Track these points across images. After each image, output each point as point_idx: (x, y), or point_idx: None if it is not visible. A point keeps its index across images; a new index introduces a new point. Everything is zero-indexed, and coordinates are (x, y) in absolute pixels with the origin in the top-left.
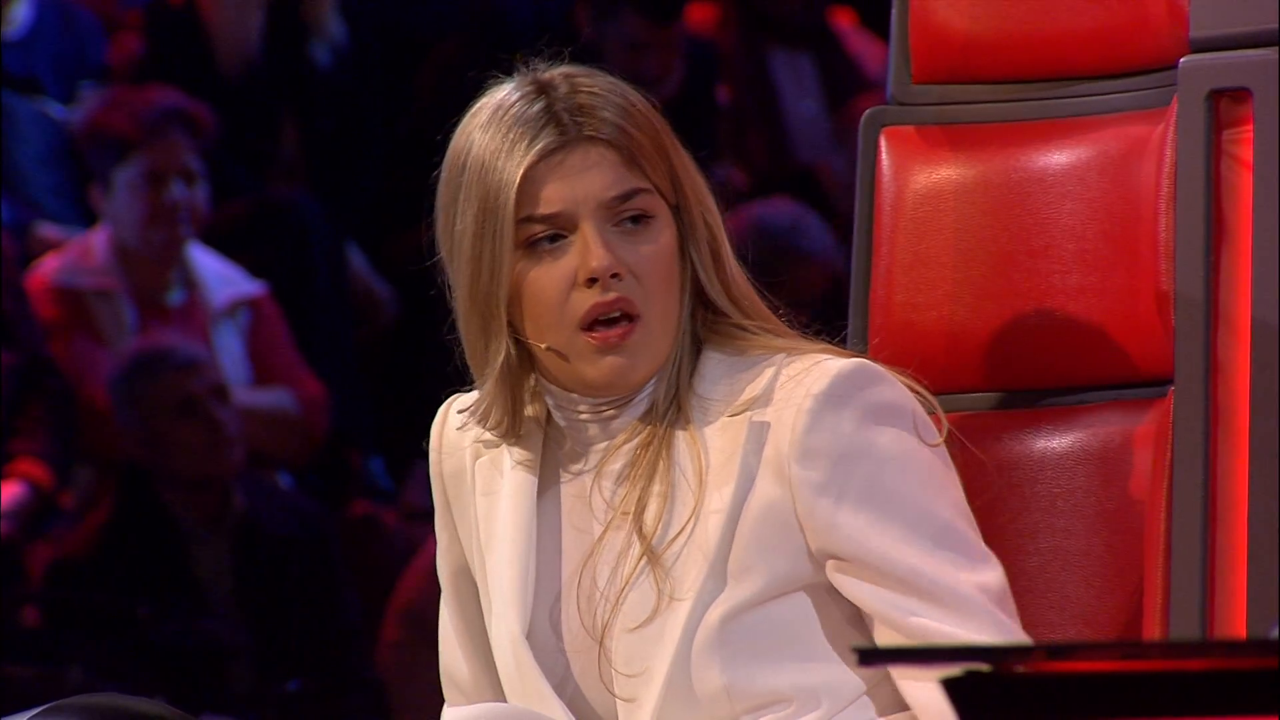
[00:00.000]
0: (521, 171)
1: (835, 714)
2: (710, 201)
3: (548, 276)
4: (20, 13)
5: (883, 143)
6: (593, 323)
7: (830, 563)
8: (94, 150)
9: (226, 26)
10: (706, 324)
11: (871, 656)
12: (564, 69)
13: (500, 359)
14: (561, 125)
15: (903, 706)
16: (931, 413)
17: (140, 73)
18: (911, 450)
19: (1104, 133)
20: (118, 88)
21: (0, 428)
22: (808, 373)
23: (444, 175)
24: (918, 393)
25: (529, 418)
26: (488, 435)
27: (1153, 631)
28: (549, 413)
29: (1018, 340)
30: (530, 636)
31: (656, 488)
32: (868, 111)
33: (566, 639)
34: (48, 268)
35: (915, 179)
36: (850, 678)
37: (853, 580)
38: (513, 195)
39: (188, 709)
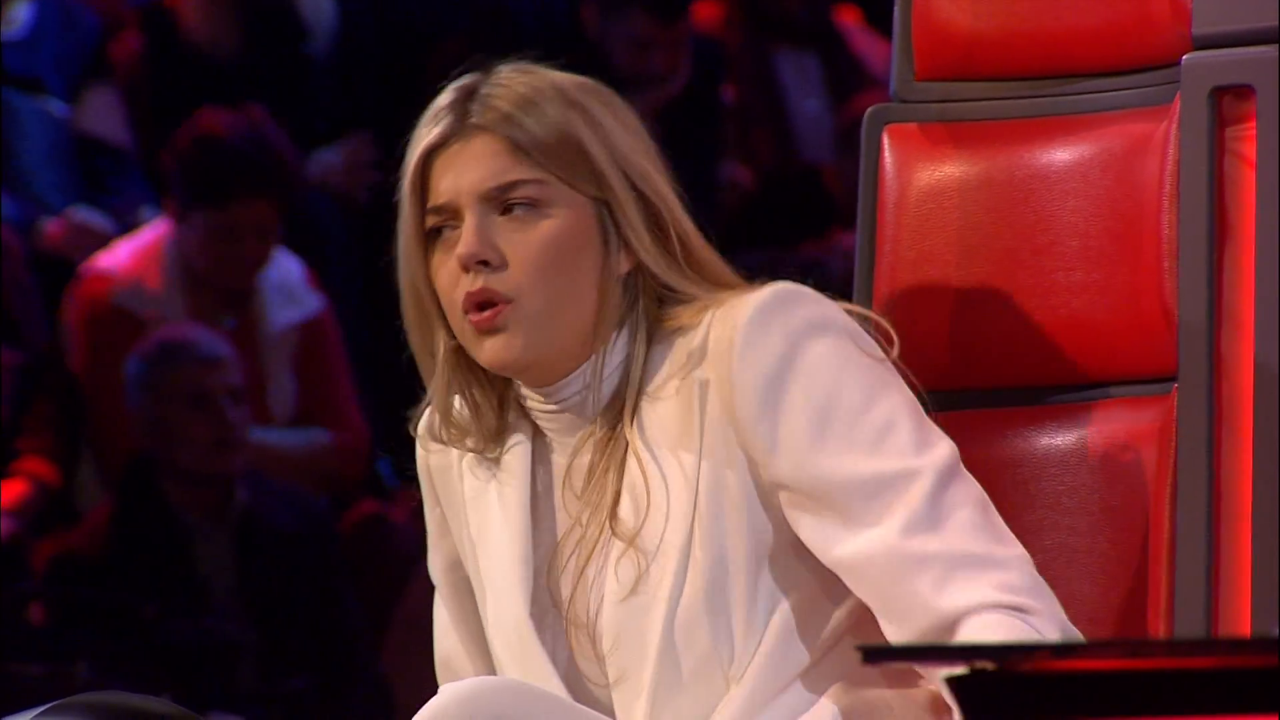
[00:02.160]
0: (415, 160)
1: (819, 657)
2: (655, 179)
3: (444, 267)
4: (22, 12)
5: (886, 140)
6: (470, 308)
7: (781, 495)
8: (180, 170)
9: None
10: (658, 314)
11: (876, 655)
12: (517, 65)
13: (443, 351)
14: (460, 114)
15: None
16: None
17: (142, 71)
18: (842, 359)
19: (1107, 130)
20: (210, 107)
21: (7, 426)
22: (733, 309)
23: None
24: (864, 315)
25: (512, 420)
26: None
27: (1157, 629)
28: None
29: (1021, 337)
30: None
31: (623, 477)
32: (871, 109)
33: (554, 625)
34: (104, 284)
35: (918, 176)
36: (829, 621)
37: (796, 513)
38: (408, 184)
39: (194, 707)
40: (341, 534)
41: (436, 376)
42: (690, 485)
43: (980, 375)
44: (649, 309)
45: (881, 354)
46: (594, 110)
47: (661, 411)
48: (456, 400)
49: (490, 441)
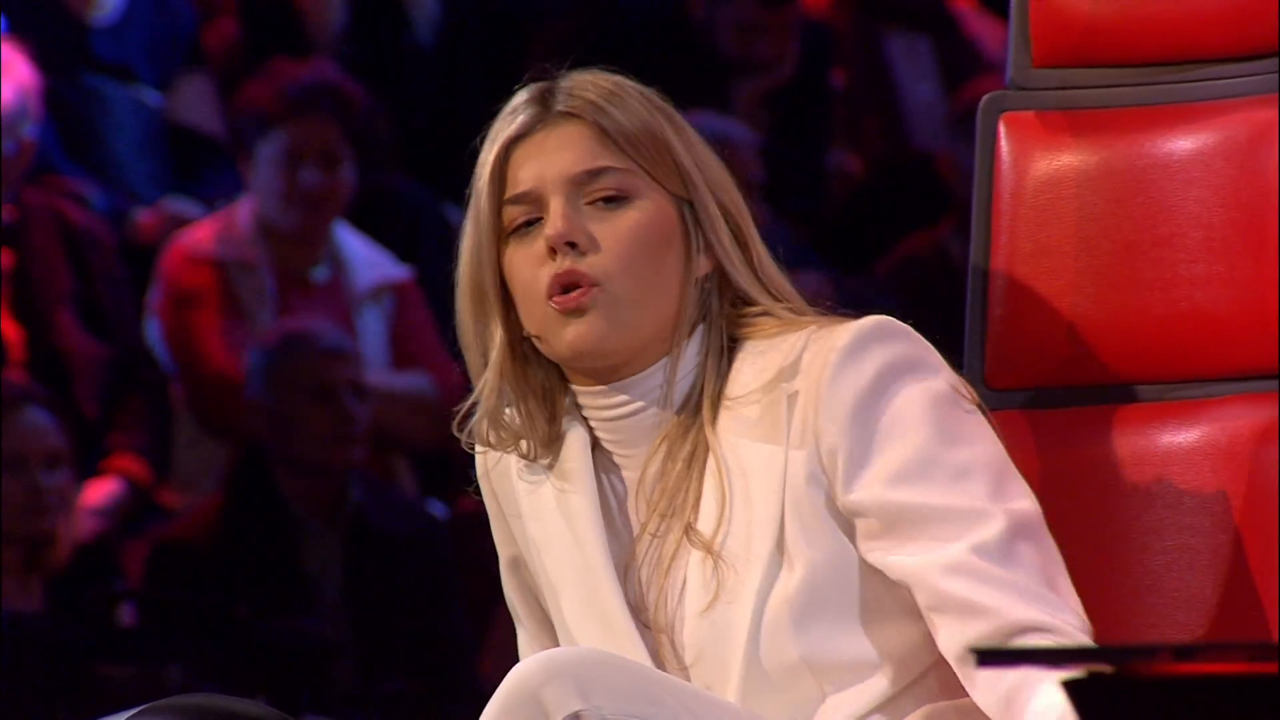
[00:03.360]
0: (496, 151)
1: (916, 677)
2: (733, 193)
3: (523, 257)
4: None
5: (1002, 128)
6: (555, 291)
7: (856, 521)
8: (241, 120)
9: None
10: (735, 321)
11: (990, 657)
12: (590, 70)
13: (497, 346)
14: (544, 105)
15: None
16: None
17: (237, 57)
18: (933, 400)
19: (1230, 117)
20: (274, 62)
21: (98, 422)
22: (832, 333)
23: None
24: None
25: (567, 428)
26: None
27: None
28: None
29: (1142, 331)
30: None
31: (698, 485)
32: (986, 96)
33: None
34: (189, 238)
35: (1036, 165)
36: (924, 638)
37: (866, 538)
38: (487, 176)
39: (288, 709)
40: (449, 538)
41: (487, 378)
42: (776, 496)
43: (1099, 370)
44: (725, 316)
45: (975, 403)
46: (676, 116)
47: (743, 421)
48: (508, 409)
49: (543, 448)
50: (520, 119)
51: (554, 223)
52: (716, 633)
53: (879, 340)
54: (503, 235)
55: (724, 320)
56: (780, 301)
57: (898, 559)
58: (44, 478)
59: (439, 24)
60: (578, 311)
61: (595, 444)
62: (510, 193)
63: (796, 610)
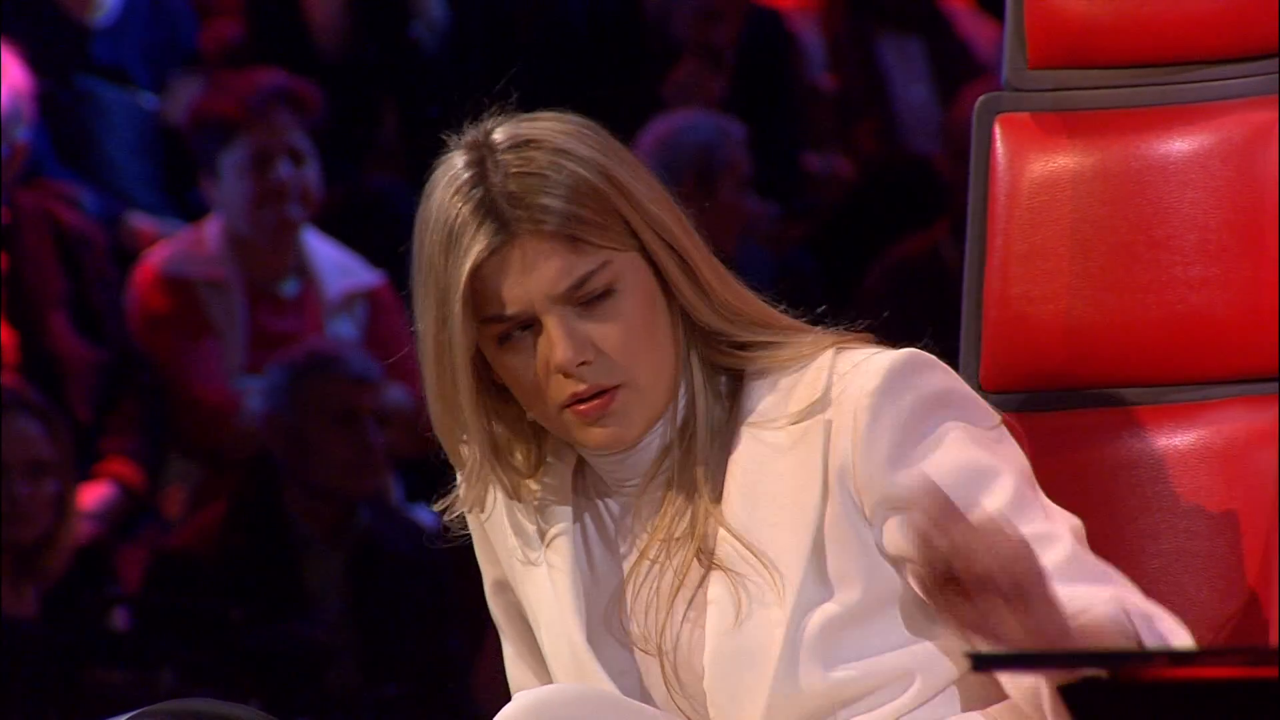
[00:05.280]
0: (465, 277)
1: (934, 691)
2: (673, 227)
3: (524, 364)
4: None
5: (997, 130)
6: (572, 402)
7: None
8: (199, 138)
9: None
10: (714, 347)
11: (985, 662)
12: (506, 131)
13: (477, 457)
14: (500, 219)
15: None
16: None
17: (235, 59)
18: (964, 430)
19: (1227, 119)
20: (218, 73)
21: (91, 426)
22: (859, 370)
23: (411, 256)
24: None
25: (550, 457)
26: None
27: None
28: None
29: (1138, 334)
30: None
31: (708, 509)
32: (982, 98)
33: (623, 657)
34: (157, 257)
35: (1031, 167)
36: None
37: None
38: (459, 300)
39: (282, 714)
40: (448, 557)
41: (473, 470)
42: (809, 523)
43: (1095, 373)
44: (700, 340)
45: (996, 422)
46: (606, 162)
47: (771, 445)
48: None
49: (528, 479)
50: (479, 244)
51: (561, 349)
52: (744, 654)
53: (911, 378)
54: (483, 342)
55: (700, 342)
56: (754, 327)
57: None
58: (22, 486)
59: (447, 18)
60: (603, 417)
61: (581, 466)
62: (492, 312)
63: (827, 643)
